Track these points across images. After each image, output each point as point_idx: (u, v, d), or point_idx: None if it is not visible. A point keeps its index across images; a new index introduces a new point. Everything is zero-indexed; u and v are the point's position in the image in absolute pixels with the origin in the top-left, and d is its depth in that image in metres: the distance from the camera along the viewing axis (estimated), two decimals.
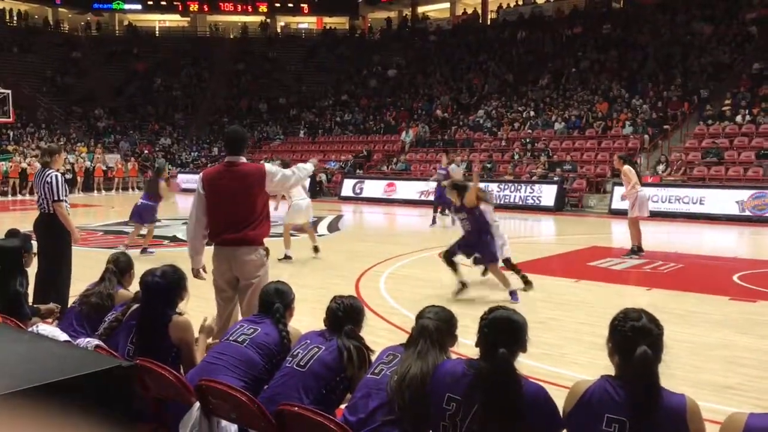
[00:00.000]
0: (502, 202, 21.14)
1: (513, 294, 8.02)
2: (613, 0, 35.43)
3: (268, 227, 4.99)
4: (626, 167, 11.68)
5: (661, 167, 21.11)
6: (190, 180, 30.84)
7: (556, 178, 21.76)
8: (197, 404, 3.20)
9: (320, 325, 3.50)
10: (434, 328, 3.03)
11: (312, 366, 3.21)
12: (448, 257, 8.27)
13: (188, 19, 46.54)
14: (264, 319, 3.65)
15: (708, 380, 5.36)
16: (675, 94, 25.00)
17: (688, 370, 5.45)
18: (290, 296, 3.82)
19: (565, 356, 5.98)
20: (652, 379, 2.45)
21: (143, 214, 12.09)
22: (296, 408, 2.87)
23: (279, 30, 46.95)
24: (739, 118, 22.25)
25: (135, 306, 3.98)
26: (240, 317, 4.74)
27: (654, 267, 10.65)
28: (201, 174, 5.19)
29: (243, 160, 4.98)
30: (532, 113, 27.56)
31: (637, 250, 11.52)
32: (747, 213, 17.64)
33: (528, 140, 25.33)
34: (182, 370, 3.68)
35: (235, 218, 4.82)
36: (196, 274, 4.94)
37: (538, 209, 20.39)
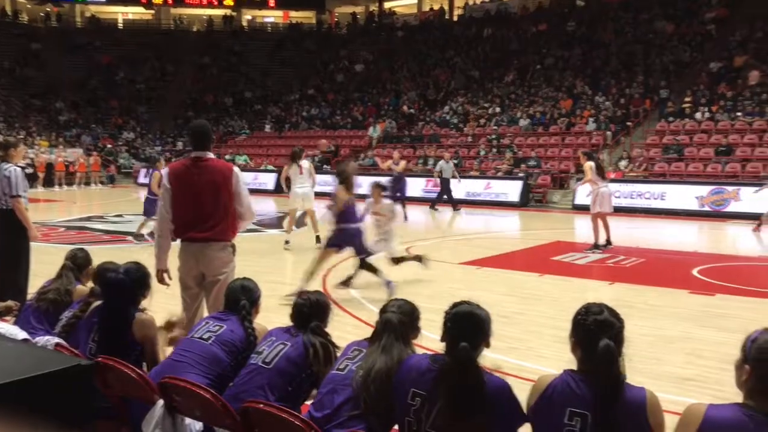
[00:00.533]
0: (468, 197, 21.30)
1: (389, 284, 7.98)
2: None
3: (235, 224, 4.92)
4: (588, 163, 11.82)
5: (623, 163, 21.46)
6: None
7: (521, 174, 21.97)
8: (161, 402, 3.16)
9: (287, 321, 3.48)
10: (398, 321, 3.04)
11: (277, 363, 3.19)
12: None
13: (152, 11, 45.79)
14: (230, 316, 3.61)
15: (669, 372, 5.47)
16: (637, 92, 25.41)
17: (649, 363, 5.56)
18: (256, 293, 3.79)
19: (530, 350, 6.05)
20: (614, 373, 2.48)
21: (149, 208, 12.06)
22: (261, 405, 2.85)
23: (245, 24, 46.50)
24: (698, 116, 22.71)
25: (97, 303, 3.91)
26: (206, 314, 4.69)
27: (616, 261, 10.82)
28: (167, 169, 5.10)
29: (210, 155, 4.91)
30: (497, 109, 27.77)
31: (599, 245, 11.66)
32: (706, 208, 18.03)
33: (494, 136, 25.53)
34: (146, 368, 3.64)
35: (202, 214, 4.76)
36: (161, 279, 4.84)
37: (503, 205, 20.57)
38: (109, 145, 34.26)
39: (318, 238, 11.41)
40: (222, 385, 3.30)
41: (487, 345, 2.81)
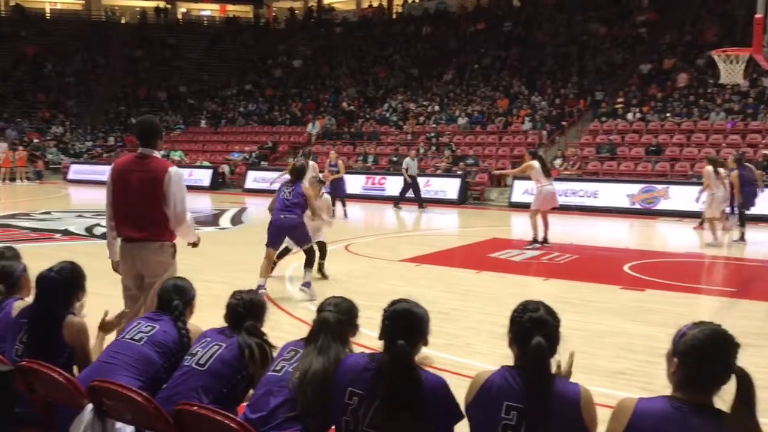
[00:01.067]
0: (408, 195, 21.40)
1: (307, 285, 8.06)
2: None
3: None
4: (531, 162, 11.99)
5: (558, 162, 21.94)
6: (84, 171, 29.47)
7: (459, 172, 22.21)
8: (90, 406, 3.04)
9: (223, 322, 3.40)
10: (335, 320, 3.01)
11: (212, 365, 3.12)
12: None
13: (82, 1, 44.34)
14: (162, 316, 3.51)
15: (602, 366, 5.60)
16: (572, 92, 26.02)
17: (582, 357, 5.64)
18: (191, 293, 3.70)
19: (468, 346, 6.11)
20: (545, 370, 2.52)
21: None
22: (195, 407, 2.77)
23: (180, 16, 45.53)
24: (630, 116, 23.43)
25: (27, 303, 3.75)
26: (143, 312, 4.56)
27: (551, 258, 11.05)
28: (112, 164, 5.01)
29: (156, 153, 4.77)
30: (436, 108, 28.00)
31: (538, 240, 11.88)
32: (637, 206, 18.61)
33: (433, 134, 25.73)
34: (77, 373, 3.50)
35: (141, 213, 4.66)
36: (116, 268, 4.85)
37: (442, 202, 20.74)
38: (36, 140, 32.97)
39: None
40: (154, 388, 3.20)
41: (425, 343, 2.81)
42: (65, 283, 3.68)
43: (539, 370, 2.50)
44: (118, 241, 4.79)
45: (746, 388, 2.17)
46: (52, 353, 3.43)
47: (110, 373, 3.14)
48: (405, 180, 18.94)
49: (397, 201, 19.27)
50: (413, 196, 19.03)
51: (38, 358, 3.35)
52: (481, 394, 2.58)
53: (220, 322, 3.42)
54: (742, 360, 2.30)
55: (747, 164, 14.20)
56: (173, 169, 4.71)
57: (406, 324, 2.75)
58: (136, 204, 4.66)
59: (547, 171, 12.13)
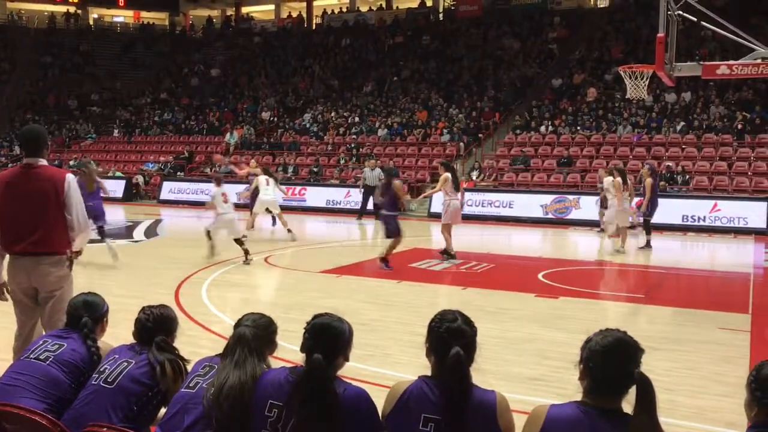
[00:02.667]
0: (328, 206, 21.37)
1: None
2: (431, 13, 37.11)
3: (70, 235, 4.59)
4: (445, 174, 12.10)
5: (474, 173, 22.42)
6: None
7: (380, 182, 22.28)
8: None
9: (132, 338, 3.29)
10: (251, 336, 2.94)
11: (121, 382, 3.00)
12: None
13: None
14: (71, 334, 3.36)
15: (518, 373, 5.73)
16: (488, 105, 26.66)
17: (499, 364, 5.80)
18: (102, 308, 3.56)
19: (388, 356, 6.12)
20: (463, 379, 2.56)
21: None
22: (105, 429, 2.66)
23: (91, 22, 44.00)
24: (543, 129, 24.21)
25: None
26: (43, 332, 4.34)
27: (468, 267, 11.24)
28: None
29: (43, 162, 4.58)
30: (356, 119, 28.11)
31: (450, 253, 11.89)
32: (549, 216, 19.22)
33: (353, 145, 25.80)
34: None
35: (32, 226, 4.44)
36: (1, 292, 4.55)
37: (365, 213, 20.76)
38: None
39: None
40: (61, 410, 3.05)
41: (346, 358, 2.80)
42: None
43: (458, 380, 2.53)
44: (6, 259, 4.53)
45: (646, 391, 2.27)
46: None
47: (12, 395, 2.98)
48: (364, 191, 19.10)
49: (359, 214, 19.42)
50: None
51: None
52: (399, 405, 2.59)
53: (133, 339, 3.30)
54: (649, 363, 2.40)
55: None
56: (70, 176, 4.59)
57: (325, 338, 2.73)
58: (30, 216, 4.44)
59: (456, 184, 12.24)
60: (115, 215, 20.26)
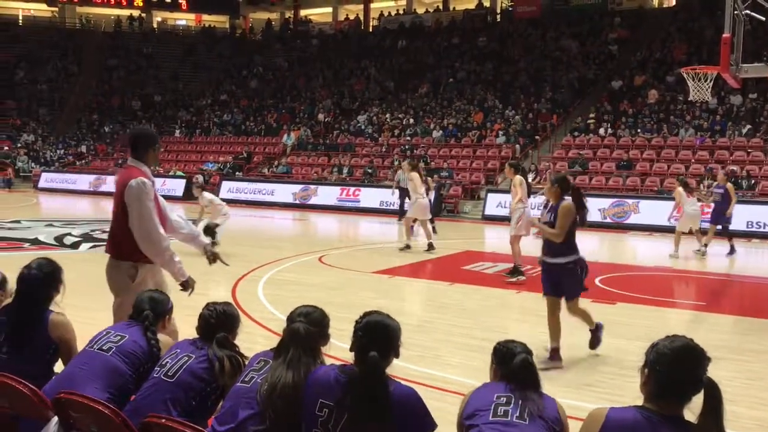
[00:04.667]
0: (382, 207, 21.45)
1: None
2: (488, 14, 36.86)
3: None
4: (517, 177, 10.45)
5: (530, 176, 22.12)
6: (55, 179, 29.06)
7: (433, 185, 22.26)
8: (55, 419, 3.00)
9: (195, 333, 3.37)
10: (305, 332, 2.97)
11: (180, 376, 3.08)
12: None
13: (56, 9, 43.84)
14: (133, 326, 3.47)
15: (571, 379, 5.64)
16: (545, 107, 26.32)
17: (553, 370, 5.72)
18: (165, 305, 3.66)
19: (438, 358, 6.11)
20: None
21: None
22: (163, 420, 2.75)
23: (155, 26, 45.25)
24: (601, 131, 23.75)
25: (7, 301, 3.77)
26: None
27: (524, 270, 11.11)
28: None
29: (137, 164, 4.45)
30: (411, 120, 28.12)
31: (517, 273, 10.17)
32: (608, 220, 18.83)
33: (407, 147, 25.83)
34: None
35: (112, 224, 4.49)
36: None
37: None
38: (7, 148, 32.47)
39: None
40: (123, 399, 3.16)
41: (397, 355, 2.82)
42: (45, 279, 3.69)
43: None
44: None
45: (714, 399, 2.22)
46: (35, 352, 3.45)
47: (77, 384, 3.09)
48: (400, 193, 18.93)
49: (400, 216, 19.29)
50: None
51: (22, 355, 3.39)
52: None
53: (192, 334, 3.39)
54: (710, 373, 2.35)
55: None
56: (134, 181, 4.30)
57: (378, 336, 2.76)
58: (113, 215, 4.50)
59: (529, 189, 10.78)
60: (176, 213, 20.78)
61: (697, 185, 17.59)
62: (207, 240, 5.08)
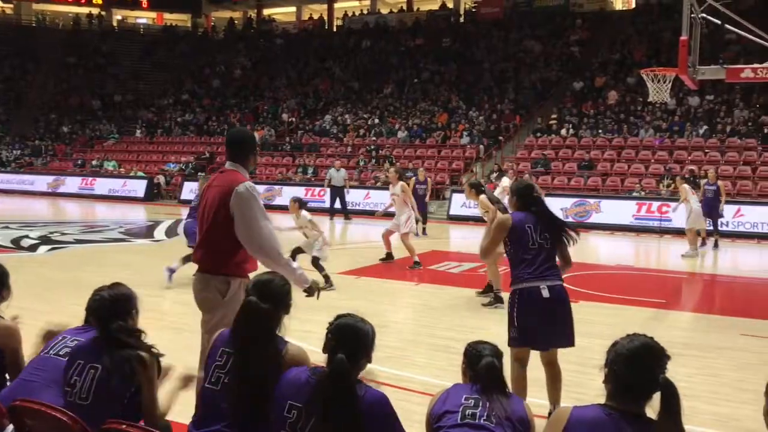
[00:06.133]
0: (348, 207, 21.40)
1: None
2: (452, 15, 37.05)
3: (245, 255, 4.01)
4: (481, 197, 9.07)
5: (494, 176, 22.30)
6: (11, 180, 28.38)
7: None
8: (10, 427, 2.90)
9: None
10: (264, 310, 2.95)
11: (95, 400, 2.90)
12: None
13: (11, 5, 42.81)
14: (90, 329, 3.35)
15: (535, 377, 5.68)
16: (508, 107, 26.56)
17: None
18: (128, 305, 3.43)
19: (405, 358, 6.11)
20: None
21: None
22: (124, 426, 2.68)
23: (115, 24, 44.50)
24: (563, 132, 24.06)
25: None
26: None
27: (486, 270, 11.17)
28: None
29: (235, 168, 4.10)
30: (376, 121, 28.13)
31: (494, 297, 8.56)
32: (570, 219, 19.05)
33: (373, 147, 25.83)
34: (8, 380, 3.33)
35: (203, 236, 4.04)
36: None
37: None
38: None
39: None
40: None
41: (369, 360, 2.79)
42: None
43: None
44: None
45: (670, 397, 2.25)
46: None
47: (33, 391, 3.00)
48: (331, 191, 19.72)
49: (331, 214, 19.65)
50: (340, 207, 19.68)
51: None
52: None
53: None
54: (670, 369, 2.38)
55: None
56: (242, 186, 3.92)
57: (348, 339, 2.73)
58: (204, 225, 4.04)
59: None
60: (137, 215, 20.48)
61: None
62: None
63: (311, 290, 4.19)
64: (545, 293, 4.47)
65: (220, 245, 3.95)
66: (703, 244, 14.63)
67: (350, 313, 2.86)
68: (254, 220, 3.91)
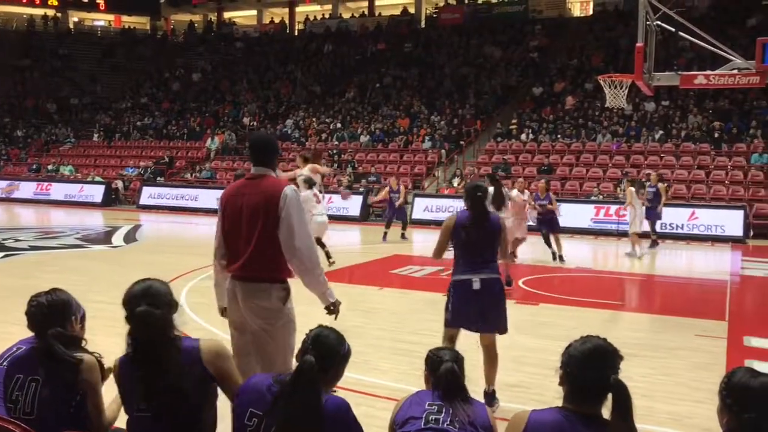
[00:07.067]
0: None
1: None
2: (414, 20, 37.26)
3: (284, 261, 3.94)
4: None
5: (456, 180, 22.49)
6: None
7: (361, 189, 22.33)
8: None
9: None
10: (149, 319, 2.87)
11: (39, 414, 2.82)
12: None
13: None
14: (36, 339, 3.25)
15: (498, 379, 5.74)
16: (469, 112, 26.79)
17: (479, 371, 5.80)
18: (66, 311, 3.20)
19: (368, 363, 6.11)
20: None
21: None
22: None
23: (72, 26, 43.66)
24: (523, 137, 24.37)
25: None
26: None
27: (450, 273, 11.24)
28: (223, 191, 4.23)
29: (271, 173, 4.02)
30: (338, 125, 28.11)
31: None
32: (530, 223, 19.24)
33: (335, 151, 25.80)
34: None
35: (243, 245, 3.88)
36: (222, 313, 4.11)
37: (344, 219, 20.78)
38: None
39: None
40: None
41: (337, 376, 2.79)
42: None
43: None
44: (227, 280, 3.99)
45: (622, 398, 2.29)
46: None
47: None
48: None
49: None
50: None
51: None
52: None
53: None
54: (627, 370, 2.42)
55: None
56: (289, 189, 3.88)
57: (320, 347, 2.71)
58: (246, 234, 3.87)
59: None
60: (95, 220, 20.11)
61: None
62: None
63: (334, 308, 4.11)
64: (476, 285, 4.95)
65: (273, 252, 3.85)
66: (655, 244, 15.23)
67: (330, 327, 2.84)
68: (302, 225, 3.89)
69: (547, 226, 13.00)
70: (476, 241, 5.06)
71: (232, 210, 3.94)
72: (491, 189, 10.71)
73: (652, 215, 15.18)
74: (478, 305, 4.99)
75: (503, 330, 5.17)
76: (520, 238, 12.26)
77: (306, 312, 3.99)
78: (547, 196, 13.08)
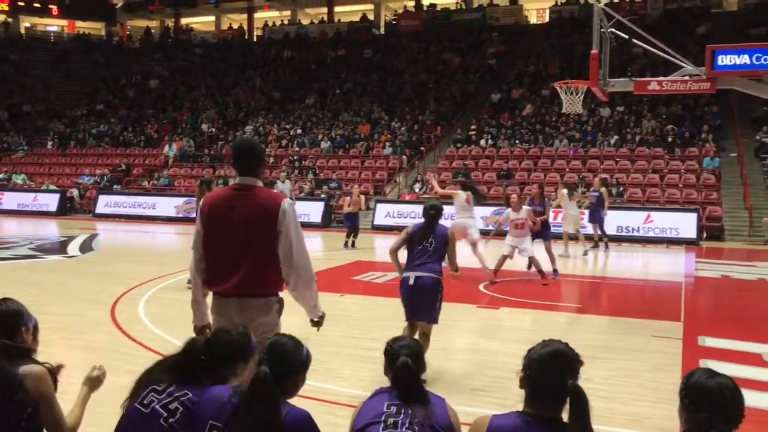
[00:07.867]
0: None
1: None
2: (373, 26, 37.37)
3: (281, 274, 3.83)
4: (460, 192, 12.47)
5: (417, 186, 22.58)
6: None
7: (322, 196, 22.26)
8: None
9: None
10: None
11: None
12: None
13: None
14: None
15: (460, 383, 5.76)
16: (429, 119, 26.95)
17: (441, 375, 5.82)
18: (15, 321, 3.02)
19: (329, 371, 6.07)
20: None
21: None
22: None
23: (23, 31, 42.66)
24: (482, 142, 24.60)
25: None
26: None
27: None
28: (203, 201, 4.02)
29: (259, 183, 3.84)
30: (299, 131, 27.99)
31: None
32: (490, 227, 19.37)
33: (295, 158, 25.68)
34: None
35: (237, 261, 3.71)
36: (200, 332, 3.83)
37: (306, 226, 20.61)
38: None
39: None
40: None
41: (296, 382, 2.73)
42: None
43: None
44: (209, 298, 3.85)
45: (578, 402, 2.31)
46: None
47: None
48: None
49: None
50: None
51: None
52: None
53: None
54: (587, 372, 2.45)
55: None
56: (286, 202, 3.75)
57: (276, 355, 2.66)
58: (240, 248, 3.70)
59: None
60: (49, 230, 19.64)
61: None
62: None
63: (320, 321, 4.16)
64: (411, 281, 5.98)
65: (269, 265, 3.74)
66: (596, 246, 15.78)
67: (289, 336, 2.80)
68: (300, 239, 3.81)
69: (542, 236, 12.49)
70: (421, 248, 6.09)
71: (219, 222, 3.75)
72: (463, 194, 11.47)
73: (597, 218, 15.76)
74: (412, 298, 5.97)
75: (432, 320, 5.98)
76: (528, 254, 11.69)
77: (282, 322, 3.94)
78: (541, 202, 12.77)
